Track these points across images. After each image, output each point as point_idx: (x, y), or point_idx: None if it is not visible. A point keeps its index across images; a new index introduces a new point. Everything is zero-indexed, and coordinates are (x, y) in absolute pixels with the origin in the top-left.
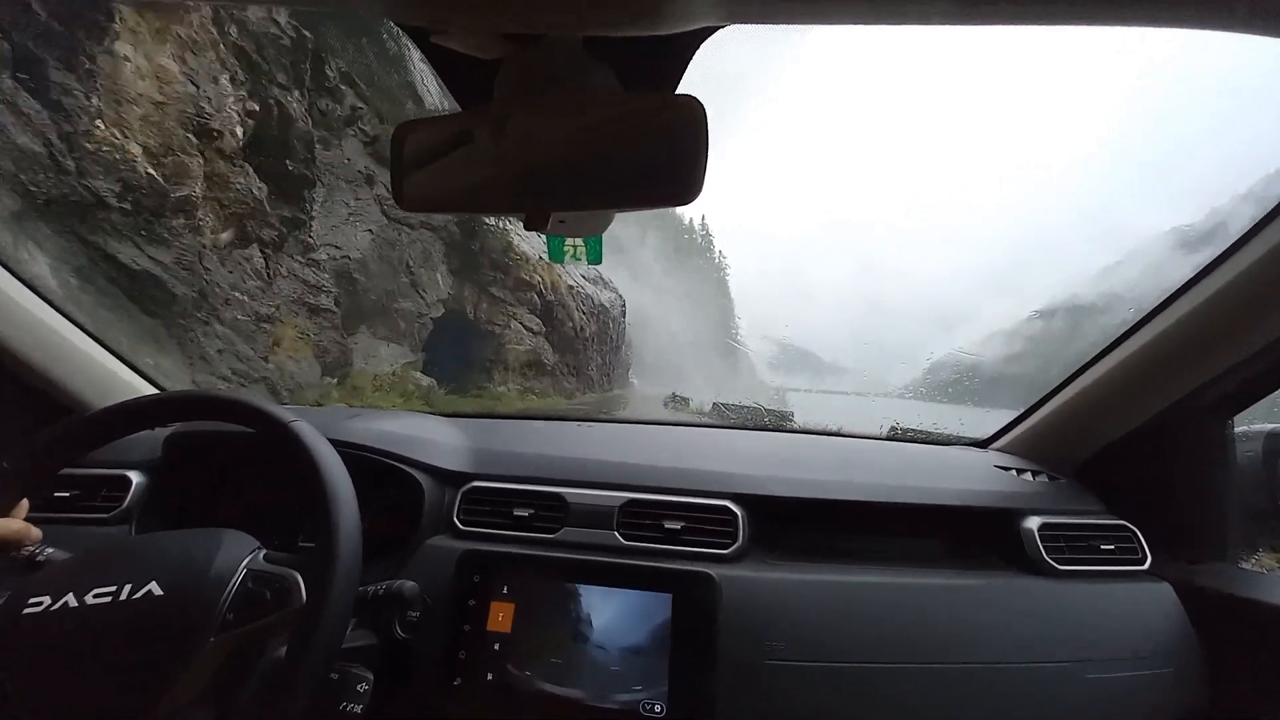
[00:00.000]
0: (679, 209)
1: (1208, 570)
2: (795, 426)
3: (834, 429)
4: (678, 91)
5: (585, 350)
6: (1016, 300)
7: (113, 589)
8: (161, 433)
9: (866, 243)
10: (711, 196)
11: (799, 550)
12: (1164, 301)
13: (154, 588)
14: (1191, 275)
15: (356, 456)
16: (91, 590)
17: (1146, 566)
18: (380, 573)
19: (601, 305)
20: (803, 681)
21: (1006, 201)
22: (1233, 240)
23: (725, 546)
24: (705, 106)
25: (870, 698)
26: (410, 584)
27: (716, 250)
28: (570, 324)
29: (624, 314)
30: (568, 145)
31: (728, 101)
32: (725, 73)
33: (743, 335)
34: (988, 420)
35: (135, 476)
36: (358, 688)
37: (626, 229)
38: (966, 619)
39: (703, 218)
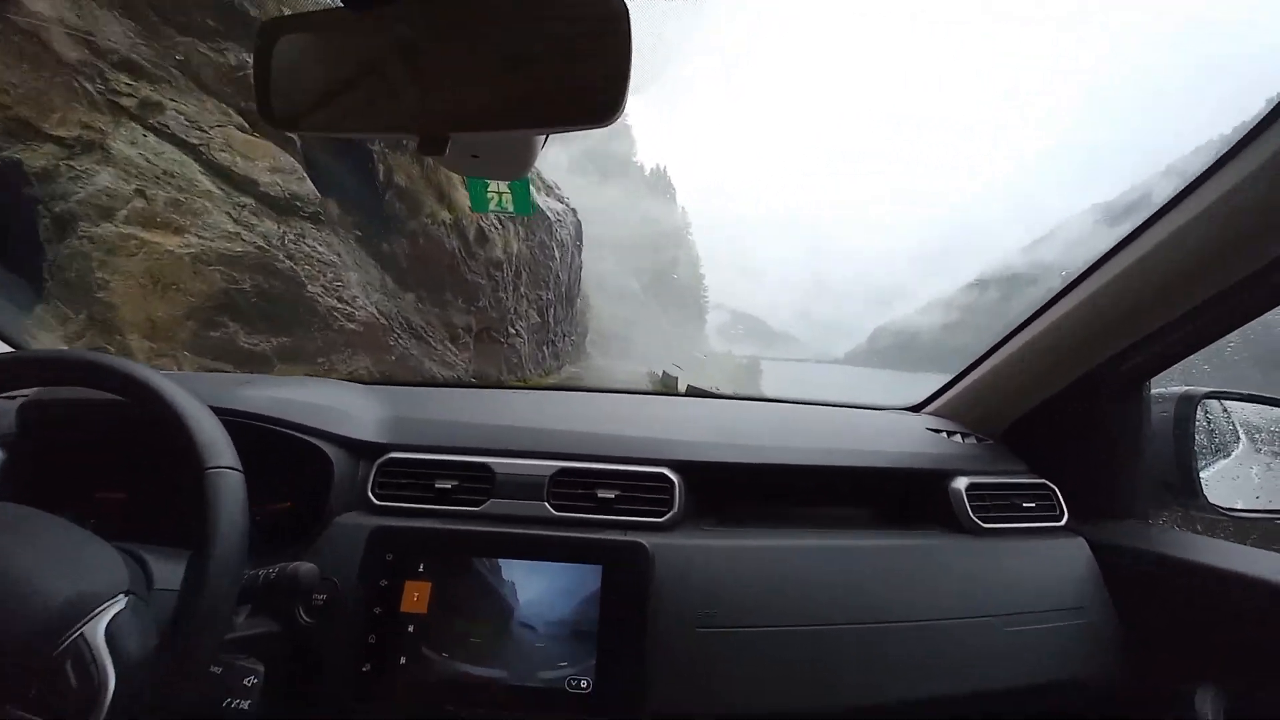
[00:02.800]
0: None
1: (1120, 527)
2: (731, 393)
3: (770, 395)
4: None
5: (503, 298)
6: (953, 271)
7: None
8: (16, 401)
9: (814, 217)
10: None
11: (735, 517)
12: (1084, 272)
13: None
14: (1110, 247)
15: (253, 428)
16: None
17: (1064, 523)
18: (286, 555)
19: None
20: (735, 647)
21: (943, 177)
22: (1151, 213)
23: (660, 515)
24: (628, 6)
25: (801, 660)
26: (307, 566)
27: (680, 207)
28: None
29: (578, 242)
30: (468, 55)
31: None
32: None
33: (710, 298)
34: (926, 384)
35: None
36: (245, 682)
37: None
38: (896, 579)
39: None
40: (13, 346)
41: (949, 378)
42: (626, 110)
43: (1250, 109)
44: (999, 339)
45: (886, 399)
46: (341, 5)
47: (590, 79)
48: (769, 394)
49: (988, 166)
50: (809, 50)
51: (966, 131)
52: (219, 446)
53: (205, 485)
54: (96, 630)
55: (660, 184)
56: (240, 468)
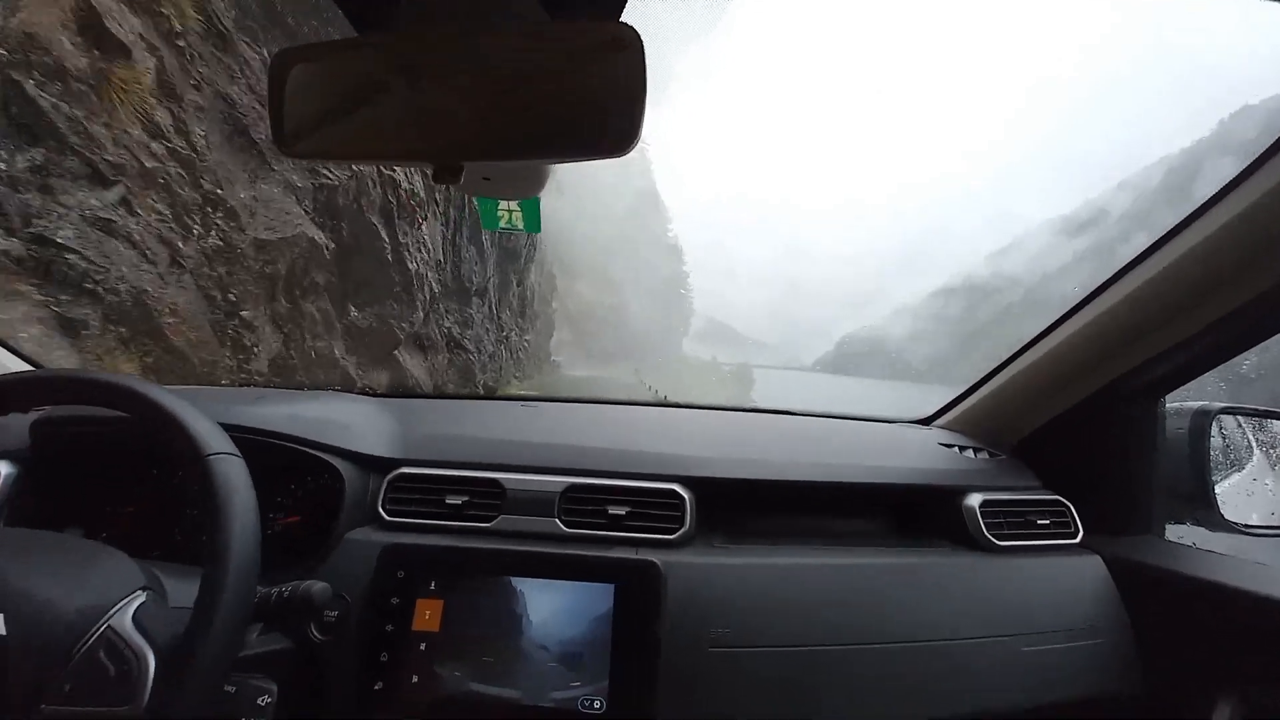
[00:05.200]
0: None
1: (1135, 543)
2: (741, 405)
3: (780, 408)
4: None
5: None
6: (918, 279)
7: None
8: (28, 417)
9: (782, 223)
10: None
11: (747, 533)
12: (1099, 287)
13: (0, 622)
14: (1124, 264)
15: (264, 444)
16: None
17: (1079, 540)
18: (298, 570)
19: None
20: (748, 667)
21: (908, 189)
22: (1165, 231)
23: (672, 531)
24: (643, 38)
25: (815, 680)
26: (320, 585)
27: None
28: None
29: (529, 248)
30: (483, 83)
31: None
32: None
33: (691, 292)
34: (909, 393)
35: (3, 467)
36: (258, 701)
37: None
38: (909, 597)
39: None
40: (28, 364)
41: (919, 386)
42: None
43: (1204, 129)
44: (1011, 353)
45: (882, 409)
46: (354, 35)
47: (605, 107)
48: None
49: (953, 177)
50: (781, 59)
51: (934, 141)
52: (215, 436)
53: (206, 474)
54: (124, 621)
55: (648, 195)
56: (239, 454)
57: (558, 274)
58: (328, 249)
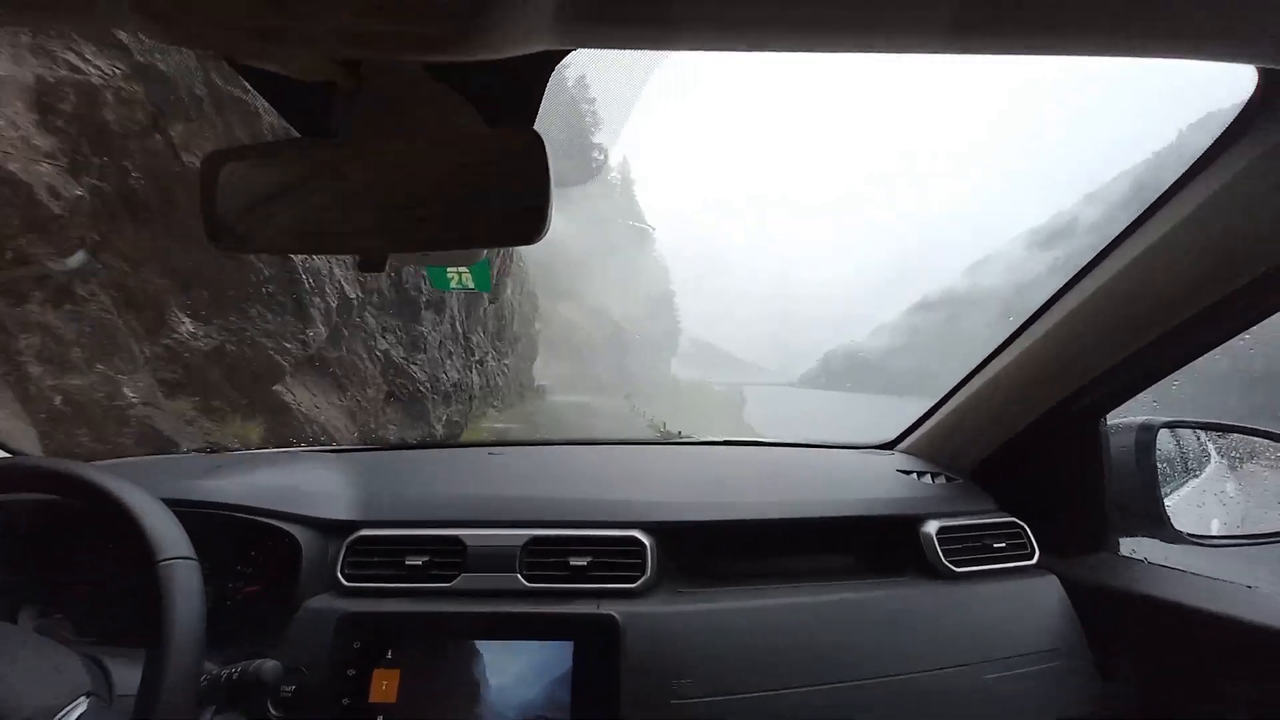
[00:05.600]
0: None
1: (1090, 561)
2: (701, 439)
3: (742, 438)
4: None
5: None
6: (898, 296)
7: None
8: None
9: (766, 241)
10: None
11: (711, 575)
12: (1038, 310)
13: None
14: (1060, 286)
15: (221, 517)
16: None
17: (1035, 561)
18: (257, 641)
19: None
20: (711, 716)
21: (889, 204)
22: (1096, 253)
23: (634, 580)
24: (545, 141)
25: None
26: (271, 664)
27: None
28: None
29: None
30: (402, 183)
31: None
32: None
33: (678, 312)
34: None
35: None
36: None
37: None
38: (871, 633)
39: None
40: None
41: (903, 399)
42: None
43: (1165, 138)
44: (963, 376)
45: (856, 423)
46: (285, 138)
47: (516, 201)
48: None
49: (931, 194)
50: (756, 83)
51: (912, 159)
52: (170, 537)
53: (158, 578)
54: None
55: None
56: (194, 556)
57: (540, 295)
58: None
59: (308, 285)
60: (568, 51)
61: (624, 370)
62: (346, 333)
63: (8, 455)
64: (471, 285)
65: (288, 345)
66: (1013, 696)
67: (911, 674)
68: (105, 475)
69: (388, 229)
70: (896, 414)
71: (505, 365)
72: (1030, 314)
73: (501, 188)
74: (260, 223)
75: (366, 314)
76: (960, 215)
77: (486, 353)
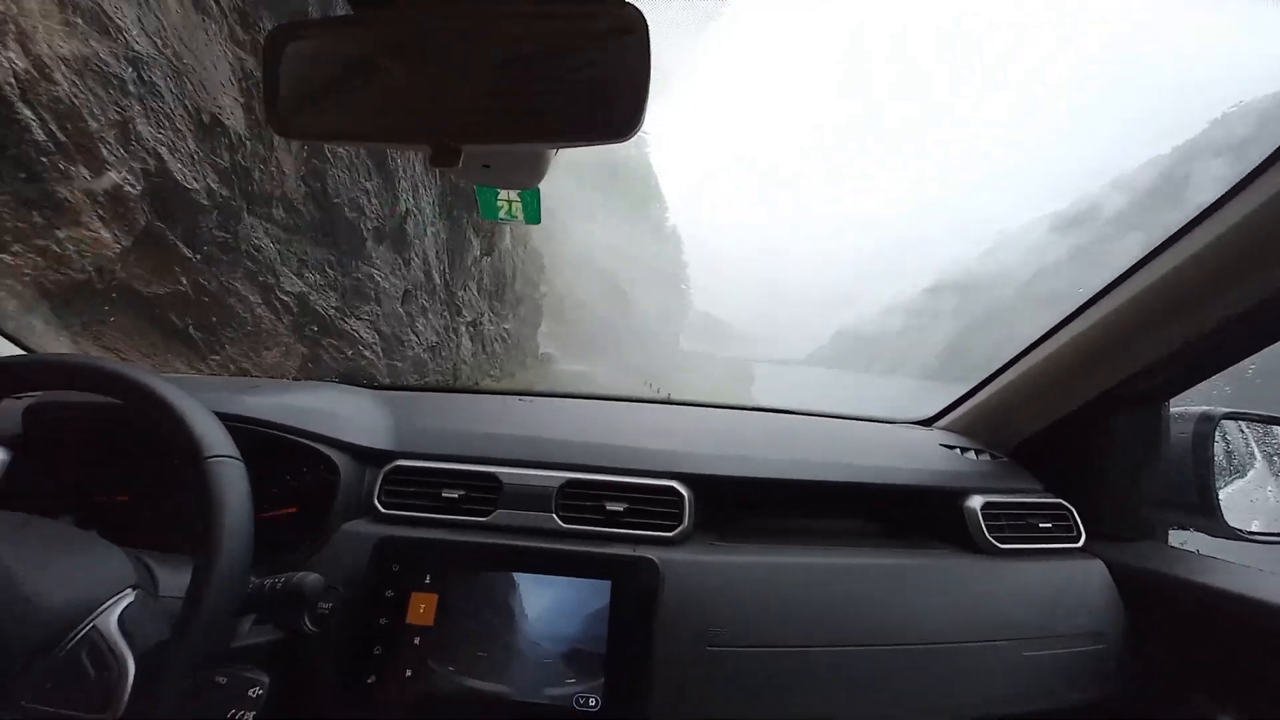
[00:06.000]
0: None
1: (1138, 548)
2: (741, 404)
3: (780, 406)
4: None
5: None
6: (911, 275)
7: None
8: (22, 402)
9: (775, 219)
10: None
11: (746, 532)
12: (1104, 288)
13: None
14: (1128, 266)
15: (259, 434)
16: None
17: (1081, 544)
18: (292, 561)
19: None
20: (744, 667)
21: (901, 182)
22: (1172, 231)
23: (670, 529)
24: (648, 20)
25: (811, 680)
26: (313, 577)
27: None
28: None
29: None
30: (481, 64)
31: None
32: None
33: (689, 285)
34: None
35: None
36: (250, 693)
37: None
38: (910, 599)
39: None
40: (21, 348)
41: (914, 381)
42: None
43: (1190, 129)
44: (1013, 354)
45: (883, 401)
46: (350, 13)
47: (608, 92)
48: (779, 404)
49: (943, 176)
50: (773, 59)
51: (923, 142)
52: (216, 437)
53: (205, 476)
54: (109, 622)
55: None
56: (239, 457)
57: (546, 258)
58: None
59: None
60: None
61: (633, 342)
62: (225, 258)
63: (30, 353)
64: (520, 216)
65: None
66: (1050, 674)
67: (948, 643)
68: (147, 373)
69: (462, 117)
70: (909, 399)
71: (505, 330)
72: (1091, 294)
73: (593, 72)
74: (323, 108)
75: (260, 236)
76: (977, 197)
77: (481, 313)
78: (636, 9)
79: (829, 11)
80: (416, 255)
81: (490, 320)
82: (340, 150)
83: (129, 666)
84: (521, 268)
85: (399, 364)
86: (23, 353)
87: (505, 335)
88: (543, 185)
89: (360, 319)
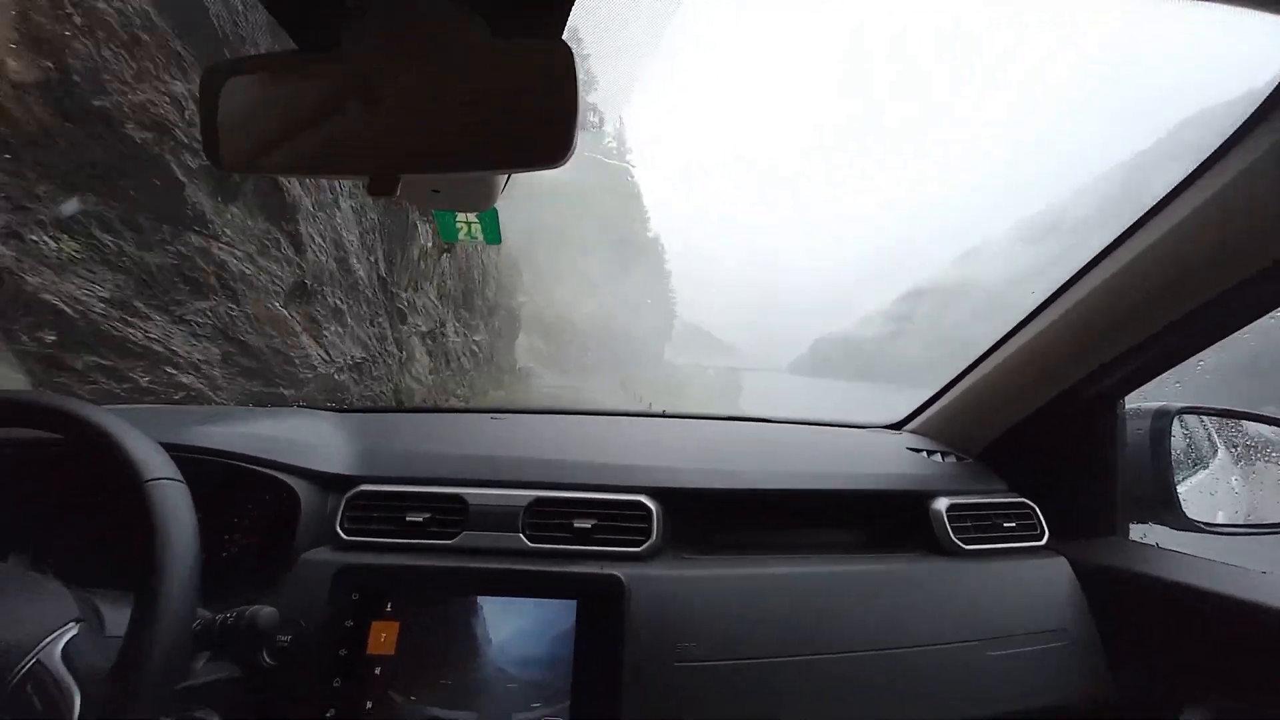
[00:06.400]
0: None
1: (1100, 545)
2: (708, 413)
3: (749, 414)
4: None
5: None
6: (888, 283)
7: None
8: None
9: (754, 228)
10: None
11: (717, 544)
12: (1057, 290)
13: None
14: (1081, 266)
15: (218, 465)
16: None
17: (1044, 542)
18: (253, 593)
19: None
20: (715, 681)
21: (877, 192)
22: (1119, 232)
23: (639, 544)
24: (574, 53)
25: (782, 691)
26: (267, 610)
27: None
28: None
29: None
30: (421, 97)
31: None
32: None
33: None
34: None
35: None
36: None
37: None
38: (878, 605)
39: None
40: None
41: (896, 386)
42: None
43: (1150, 137)
44: (976, 357)
45: (855, 406)
46: (292, 48)
47: (539, 121)
48: (749, 412)
49: (920, 183)
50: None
51: (899, 151)
52: (155, 460)
53: (145, 499)
54: (53, 654)
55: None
56: (181, 479)
57: (524, 267)
58: None
59: None
60: None
61: (617, 354)
62: None
63: None
64: (480, 237)
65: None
66: (1018, 674)
67: (917, 647)
68: (82, 404)
69: (400, 148)
70: (889, 402)
71: (476, 343)
72: (1046, 296)
73: (523, 104)
74: (265, 142)
75: None
76: (949, 205)
77: (441, 322)
78: (566, 45)
79: (790, 14)
80: (316, 233)
81: (457, 331)
82: (108, 15)
83: (74, 696)
84: (496, 274)
85: (284, 390)
86: None
87: (476, 349)
88: (510, 201)
89: (180, 321)
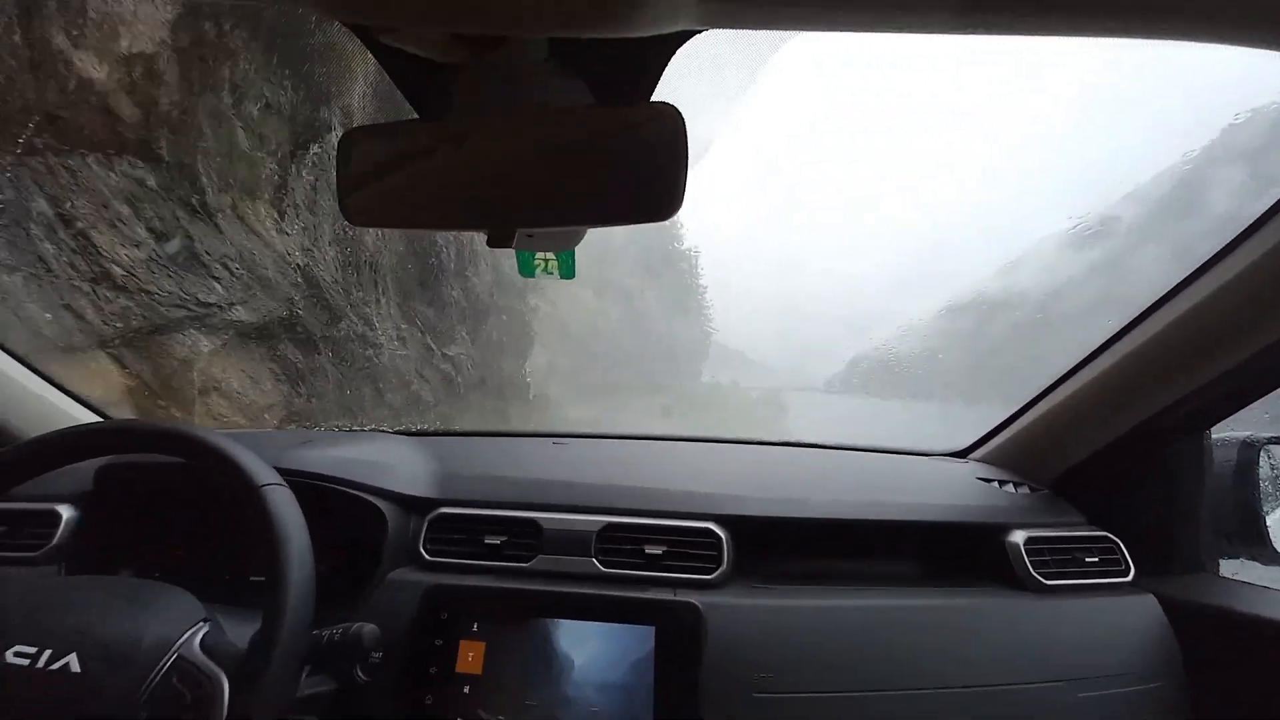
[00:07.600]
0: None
1: (1189, 581)
2: (774, 439)
3: (814, 440)
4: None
5: None
6: (925, 297)
7: (32, 652)
8: (93, 463)
9: (786, 243)
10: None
11: (783, 574)
12: (1140, 315)
13: (72, 662)
14: (1168, 290)
15: (311, 486)
16: (13, 646)
17: (1130, 579)
18: (341, 610)
19: None
20: (792, 713)
21: (914, 207)
22: (1209, 255)
23: (709, 572)
24: (684, 116)
25: None
26: (370, 627)
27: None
28: None
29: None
30: (535, 160)
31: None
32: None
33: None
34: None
35: (65, 511)
36: None
37: None
38: (955, 641)
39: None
40: (98, 415)
41: (947, 404)
42: None
43: (1208, 135)
44: (1050, 382)
45: (913, 429)
46: (414, 117)
47: (649, 180)
48: (802, 437)
49: (958, 194)
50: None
51: (936, 159)
52: (264, 470)
53: (261, 503)
54: (192, 647)
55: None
56: (285, 484)
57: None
58: None
59: None
60: (697, 32)
61: (652, 373)
62: None
63: (102, 419)
64: (556, 273)
65: None
66: (1105, 717)
67: (999, 685)
68: (199, 428)
69: (517, 205)
70: (936, 431)
71: (455, 358)
72: (1127, 321)
73: (635, 160)
74: (391, 199)
75: None
76: (987, 214)
77: (416, 331)
78: (673, 107)
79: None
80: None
81: (412, 337)
82: None
83: (222, 680)
84: (496, 267)
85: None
86: (97, 419)
87: (455, 368)
88: None
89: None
